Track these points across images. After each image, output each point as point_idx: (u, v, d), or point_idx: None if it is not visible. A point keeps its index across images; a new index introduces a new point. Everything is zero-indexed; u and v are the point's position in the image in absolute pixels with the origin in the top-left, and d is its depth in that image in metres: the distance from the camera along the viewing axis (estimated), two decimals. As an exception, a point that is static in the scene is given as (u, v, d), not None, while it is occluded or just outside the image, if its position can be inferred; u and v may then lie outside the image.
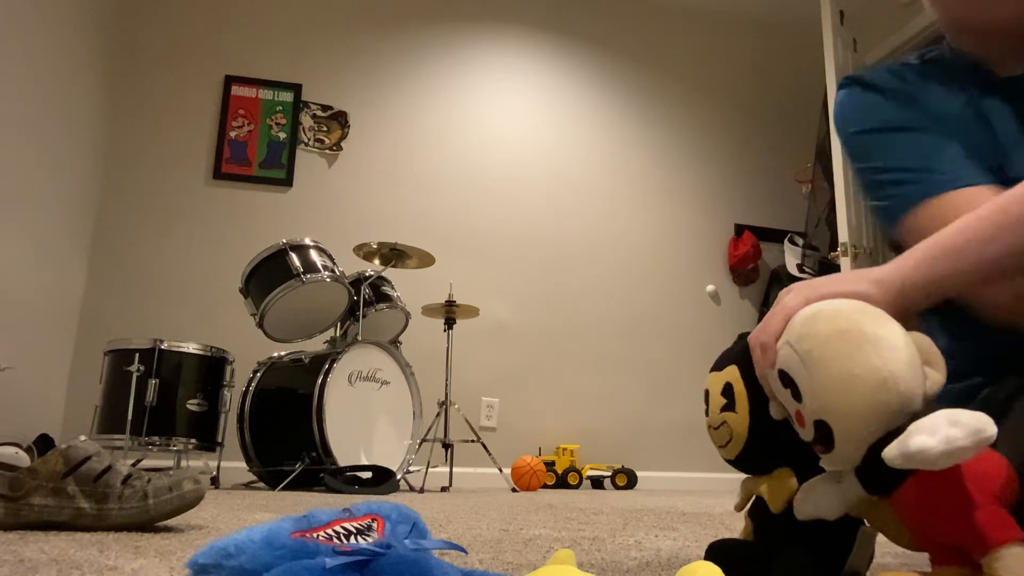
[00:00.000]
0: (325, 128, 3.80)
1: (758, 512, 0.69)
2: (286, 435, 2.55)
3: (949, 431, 0.47)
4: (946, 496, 0.51)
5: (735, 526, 1.33)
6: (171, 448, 2.52)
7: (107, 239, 3.43)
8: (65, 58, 3.08)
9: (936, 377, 0.55)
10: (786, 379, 0.58)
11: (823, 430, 0.55)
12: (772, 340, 0.60)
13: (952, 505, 0.51)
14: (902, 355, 0.54)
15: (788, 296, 0.63)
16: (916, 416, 0.51)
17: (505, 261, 3.88)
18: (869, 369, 0.53)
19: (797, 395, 0.57)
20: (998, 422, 0.49)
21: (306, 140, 3.76)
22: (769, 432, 0.64)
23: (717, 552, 0.69)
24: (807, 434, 0.57)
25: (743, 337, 0.68)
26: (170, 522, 1.05)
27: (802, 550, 0.61)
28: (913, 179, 0.84)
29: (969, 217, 0.65)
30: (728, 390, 0.67)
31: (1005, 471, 0.53)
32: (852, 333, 0.55)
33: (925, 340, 0.57)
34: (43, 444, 1.06)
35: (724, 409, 0.67)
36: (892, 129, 0.90)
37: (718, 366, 0.70)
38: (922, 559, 0.66)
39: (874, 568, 0.72)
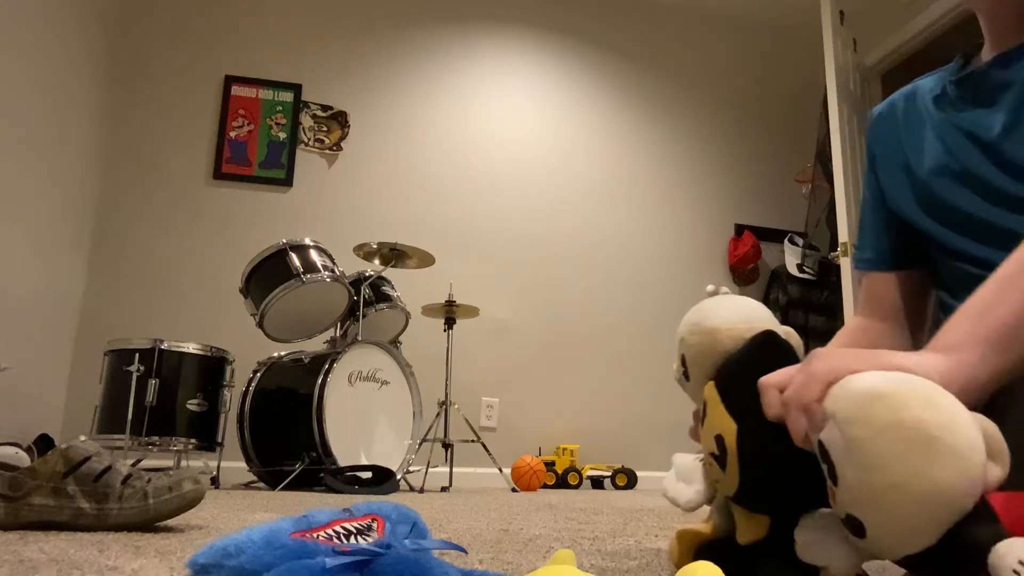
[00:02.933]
0: (325, 128, 3.80)
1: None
2: (286, 435, 2.55)
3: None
4: None
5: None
6: (171, 448, 2.52)
7: (107, 239, 3.43)
8: (65, 58, 3.08)
9: (997, 473, 0.47)
10: (823, 454, 0.49)
11: (855, 523, 0.48)
12: (816, 405, 0.50)
13: None
14: (966, 465, 0.45)
15: (822, 362, 0.52)
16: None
17: (505, 261, 3.88)
18: (927, 483, 0.45)
19: (832, 476, 0.49)
20: (1004, 412, 0.47)
21: (306, 140, 3.76)
22: (764, 493, 0.57)
23: (707, 553, 0.67)
24: (838, 512, 0.51)
25: (756, 346, 0.61)
26: (170, 522, 1.05)
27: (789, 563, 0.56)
28: (856, 245, 1.00)
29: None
30: (720, 443, 0.59)
31: None
32: (914, 432, 0.45)
33: (991, 428, 0.48)
34: (43, 444, 1.06)
35: (715, 459, 0.60)
36: (869, 161, 1.02)
37: (724, 390, 0.61)
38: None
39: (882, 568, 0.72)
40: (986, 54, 0.87)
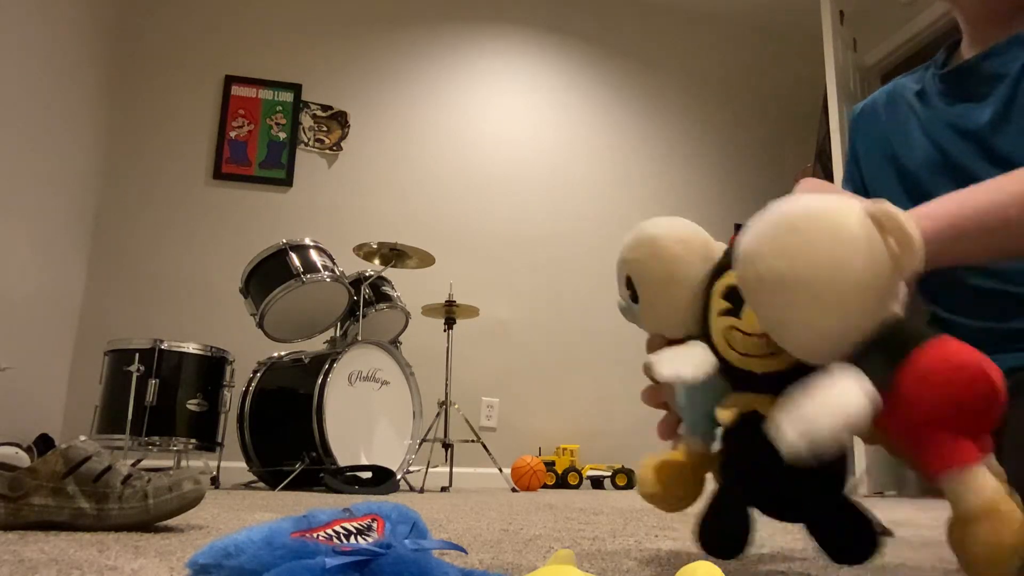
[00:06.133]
0: (325, 128, 3.80)
1: (744, 436, 0.61)
2: (286, 435, 2.55)
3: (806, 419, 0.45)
4: (900, 417, 0.48)
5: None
6: (171, 448, 2.52)
7: (107, 239, 3.43)
8: (65, 58, 3.08)
9: (904, 263, 0.49)
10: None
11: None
12: None
13: (907, 427, 0.49)
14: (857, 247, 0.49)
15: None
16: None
17: (505, 261, 3.88)
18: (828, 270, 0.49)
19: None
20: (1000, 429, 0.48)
21: (306, 140, 3.76)
22: None
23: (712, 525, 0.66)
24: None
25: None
26: (170, 522, 1.05)
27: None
28: None
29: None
30: (733, 294, 0.60)
31: (973, 388, 0.46)
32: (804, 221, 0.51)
33: (895, 220, 0.49)
34: (43, 444, 1.06)
35: (729, 313, 0.61)
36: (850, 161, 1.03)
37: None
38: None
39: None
40: (967, 50, 0.87)
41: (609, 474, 3.48)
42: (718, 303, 0.61)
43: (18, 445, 1.02)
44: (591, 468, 3.51)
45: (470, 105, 4.04)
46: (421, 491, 2.61)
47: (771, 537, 1.14)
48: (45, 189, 2.95)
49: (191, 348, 2.62)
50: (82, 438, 1.05)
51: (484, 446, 2.97)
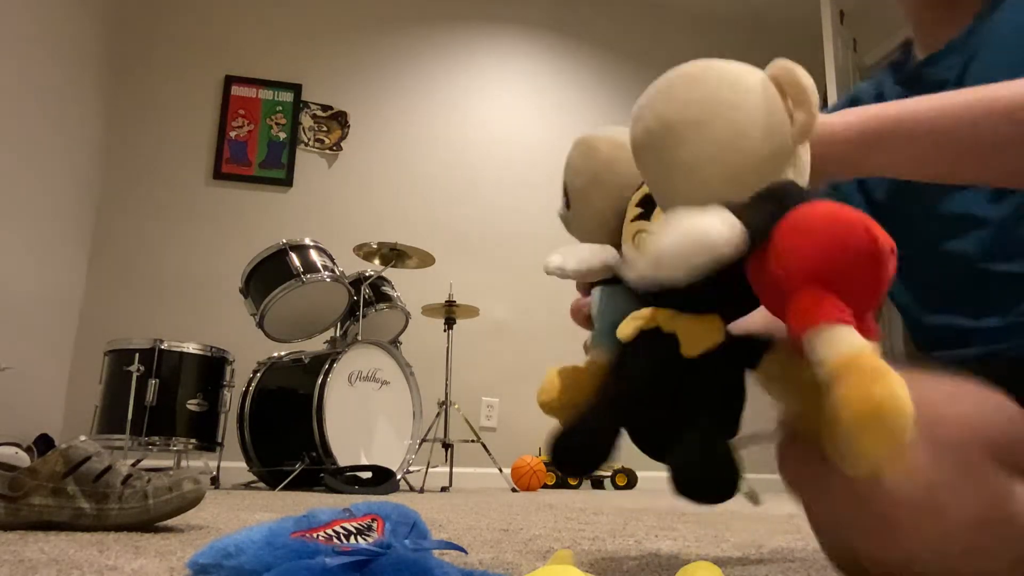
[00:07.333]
0: (325, 128, 3.80)
1: (635, 352, 0.54)
2: (286, 435, 2.55)
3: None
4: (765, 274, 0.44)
5: (736, 526, 1.33)
6: (171, 448, 2.52)
7: (107, 239, 3.43)
8: (65, 58, 3.08)
9: (801, 116, 0.47)
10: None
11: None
12: None
13: (768, 283, 0.44)
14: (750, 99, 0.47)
15: None
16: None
17: (505, 261, 3.88)
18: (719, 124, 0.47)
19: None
20: None
21: (306, 140, 3.76)
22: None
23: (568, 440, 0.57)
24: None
25: None
26: (170, 522, 1.05)
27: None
28: None
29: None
30: (647, 200, 0.57)
31: (827, 248, 0.41)
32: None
33: (791, 75, 0.47)
34: (43, 444, 1.06)
35: (640, 217, 0.58)
36: None
37: None
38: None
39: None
40: (917, 48, 0.87)
41: (609, 474, 3.48)
42: (631, 211, 0.59)
43: (18, 445, 1.02)
44: (591, 468, 3.51)
45: (470, 105, 4.04)
46: (421, 491, 2.61)
47: (771, 537, 1.14)
48: (45, 189, 2.94)
49: (191, 348, 2.62)
50: (82, 438, 1.05)
51: (484, 446, 2.97)
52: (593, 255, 0.58)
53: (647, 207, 0.57)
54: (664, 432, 0.54)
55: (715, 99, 0.46)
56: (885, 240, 0.41)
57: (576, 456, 0.58)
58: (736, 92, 0.46)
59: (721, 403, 0.52)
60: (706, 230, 0.41)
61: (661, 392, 0.52)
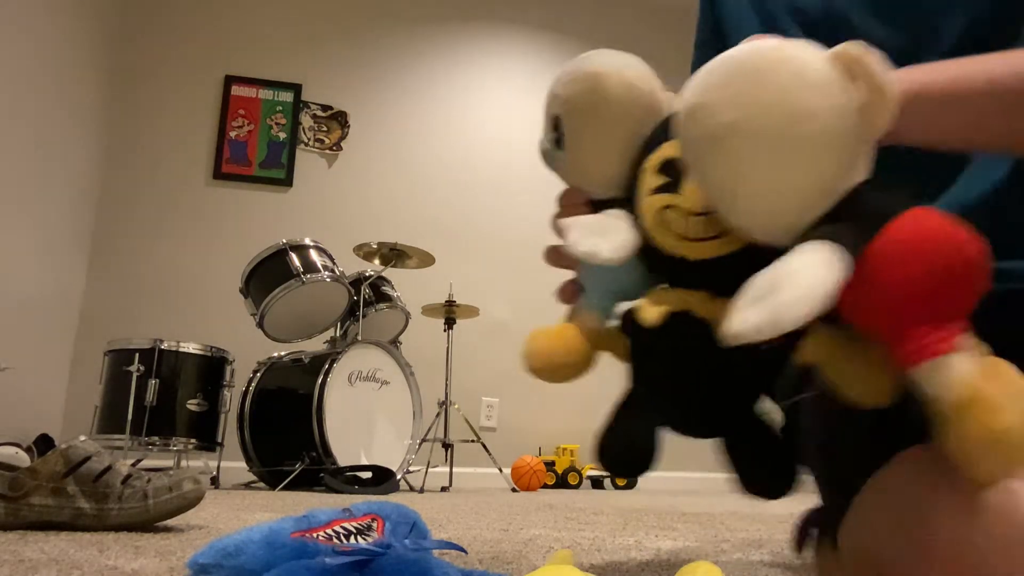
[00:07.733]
0: (325, 128, 3.80)
1: (670, 340, 0.51)
2: (286, 435, 2.55)
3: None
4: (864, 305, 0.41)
5: (736, 526, 1.33)
6: (171, 448, 2.52)
7: (107, 239, 3.43)
8: (65, 58, 3.08)
9: (865, 96, 0.42)
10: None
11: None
12: None
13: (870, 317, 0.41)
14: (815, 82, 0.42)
15: None
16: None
17: (505, 261, 3.88)
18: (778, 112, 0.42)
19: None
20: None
21: (306, 140, 3.76)
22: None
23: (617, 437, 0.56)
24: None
25: None
26: (170, 522, 1.05)
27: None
28: None
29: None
30: (670, 166, 0.52)
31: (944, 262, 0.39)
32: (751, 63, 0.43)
33: (853, 56, 0.42)
34: (43, 444, 1.06)
35: (665, 188, 0.52)
36: None
37: None
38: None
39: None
40: None
41: (609, 474, 3.48)
42: (652, 179, 0.52)
43: (18, 445, 1.02)
44: (591, 468, 3.51)
45: (470, 105, 4.04)
46: (421, 491, 2.61)
47: (771, 537, 1.14)
48: (45, 189, 2.94)
49: (191, 348, 2.62)
50: (82, 438, 1.05)
51: (484, 446, 2.97)
52: (627, 240, 0.51)
53: (671, 175, 0.51)
54: (717, 417, 0.53)
55: (784, 106, 0.41)
56: (979, 246, 0.39)
57: (633, 456, 0.58)
58: (806, 91, 0.41)
59: (764, 390, 0.52)
60: (824, 281, 0.38)
61: (699, 382, 0.50)
